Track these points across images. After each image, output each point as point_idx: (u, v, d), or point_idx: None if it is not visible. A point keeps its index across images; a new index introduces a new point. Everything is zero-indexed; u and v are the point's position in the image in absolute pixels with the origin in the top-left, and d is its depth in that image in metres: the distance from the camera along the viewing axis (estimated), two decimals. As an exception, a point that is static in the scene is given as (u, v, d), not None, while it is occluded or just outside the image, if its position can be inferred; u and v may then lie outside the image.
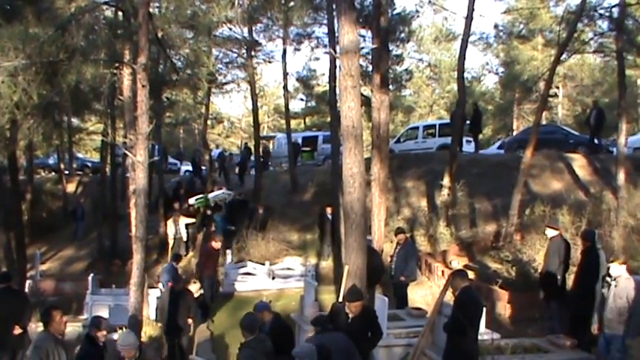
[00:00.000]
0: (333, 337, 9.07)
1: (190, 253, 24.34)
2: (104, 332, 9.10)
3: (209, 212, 25.93)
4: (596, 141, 26.34)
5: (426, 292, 17.54)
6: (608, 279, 10.47)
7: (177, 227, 23.54)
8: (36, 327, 13.99)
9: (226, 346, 15.28)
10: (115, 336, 13.80)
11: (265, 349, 8.57)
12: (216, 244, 18.76)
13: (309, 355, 7.84)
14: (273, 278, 19.86)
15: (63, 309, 10.19)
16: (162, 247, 25.22)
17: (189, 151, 49.30)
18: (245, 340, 8.81)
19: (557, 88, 49.08)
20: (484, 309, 10.33)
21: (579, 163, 24.52)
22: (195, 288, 18.96)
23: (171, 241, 23.56)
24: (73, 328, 15.67)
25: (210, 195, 26.71)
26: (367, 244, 15.37)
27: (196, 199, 26.11)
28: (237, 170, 34.63)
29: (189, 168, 37.87)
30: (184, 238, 24.15)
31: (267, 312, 10.49)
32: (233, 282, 19.89)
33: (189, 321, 14.36)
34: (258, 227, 23.87)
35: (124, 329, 13.82)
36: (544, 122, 35.62)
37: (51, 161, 40.97)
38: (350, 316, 9.75)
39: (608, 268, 10.52)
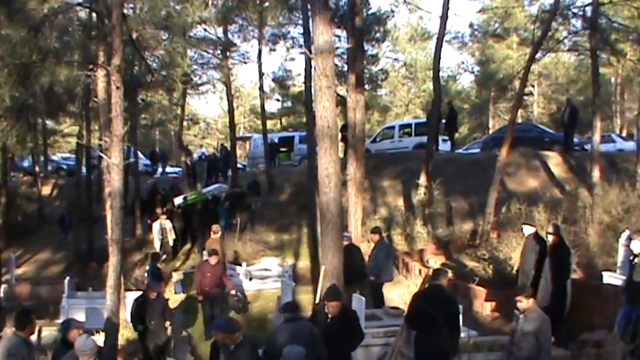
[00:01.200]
0: (299, 325, 9.26)
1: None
2: (76, 331, 8.99)
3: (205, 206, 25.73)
4: (574, 139, 26.53)
5: (403, 291, 17.58)
6: (635, 259, 10.53)
7: (163, 230, 23.24)
8: (12, 331, 13.93)
9: (203, 348, 15.21)
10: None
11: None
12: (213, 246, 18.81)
13: (299, 357, 7.84)
14: (251, 279, 19.81)
15: (38, 313, 10.12)
16: (139, 250, 25.12)
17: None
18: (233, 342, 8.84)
19: (533, 86, 49.35)
20: (457, 307, 10.29)
21: (555, 161, 24.66)
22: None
23: (157, 244, 23.25)
24: (49, 332, 15.62)
25: (206, 189, 26.59)
26: (348, 242, 15.51)
27: (184, 198, 25.98)
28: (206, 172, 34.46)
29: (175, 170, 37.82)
30: (171, 242, 23.80)
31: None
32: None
33: (167, 324, 14.24)
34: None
35: (101, 333, 13.79)
36: (519, 120, 35.84)
37: (26, 164, 40.69)
38: (329, 316, 9.75)
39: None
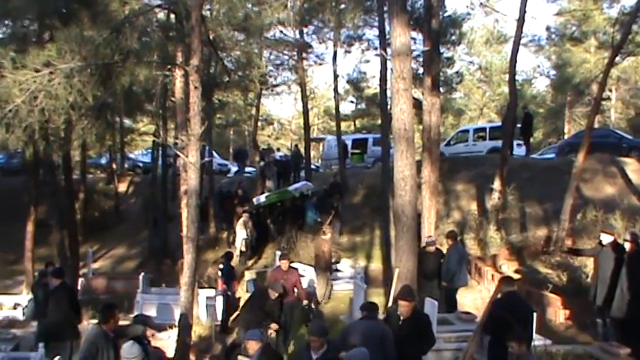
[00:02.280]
0: (371, 324, 9.50)
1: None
2: (151, 332, 9.16)
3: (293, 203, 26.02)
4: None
5: (475, 296, 17.43)
6: None
7: (247, 229, 23.39)
8: (88, 323, 14.26)
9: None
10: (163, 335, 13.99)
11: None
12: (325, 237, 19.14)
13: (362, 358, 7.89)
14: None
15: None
16: (212, 248, 25.42)
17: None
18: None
19: (610, 90, 48.32)
20: (533, 314, 10.23)
21: (633, 167, 24.18)
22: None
23: (239, 243, 23.42)
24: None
25: (292, 187, 26.70)
26: (434, 247, 15.62)
27: (266, 196, 26.14)
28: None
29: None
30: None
31: (255, 342, 10.33)
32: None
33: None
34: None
35: (173, 328, 14.00)
36: (596, 125, 35.19)
37: (103, 161, 41.47)
38: (401, 318, 9.75)
39: None
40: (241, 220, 23.38)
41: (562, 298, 15.19)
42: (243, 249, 23.14)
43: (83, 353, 9.12)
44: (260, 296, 13.86)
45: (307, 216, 24.40)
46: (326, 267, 19.04)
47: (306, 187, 26.08)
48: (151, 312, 16.92)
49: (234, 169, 41.58)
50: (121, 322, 10.16)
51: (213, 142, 33.26)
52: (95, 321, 10.48)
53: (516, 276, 17.68)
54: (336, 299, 18.74)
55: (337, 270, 20.72)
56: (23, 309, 18.36)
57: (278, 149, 40.80)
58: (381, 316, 11.34)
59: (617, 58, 22.24)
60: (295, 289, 15.36)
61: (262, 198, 25.99)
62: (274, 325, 13.23)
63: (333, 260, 20.21)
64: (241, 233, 23.20)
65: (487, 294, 16.17)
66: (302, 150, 33.35)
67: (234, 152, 43.01)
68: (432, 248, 15.96)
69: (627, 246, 12.13)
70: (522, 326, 9.49)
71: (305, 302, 16.12)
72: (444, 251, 16.11)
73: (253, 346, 9.25)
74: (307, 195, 25.70)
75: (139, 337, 8.84)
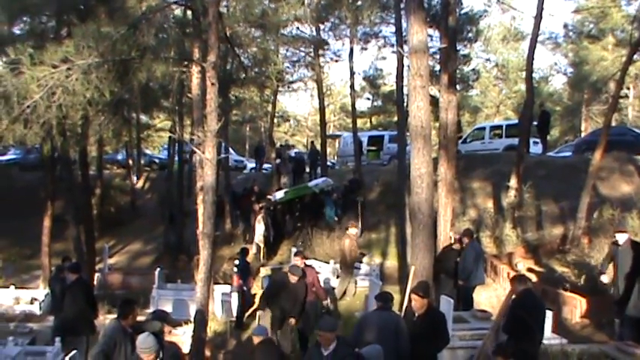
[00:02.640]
0: (386, 315, 9.65)
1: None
2: (168, 328, 9.20)
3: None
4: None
5: (491, 295, 17.37)
6: None
7: (267, 226, 23.41)
8: (104, 318, 14.34)
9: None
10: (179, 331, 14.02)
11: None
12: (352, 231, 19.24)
13: (378, 357, 7.91)
14: (338, 277, 19.82)
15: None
16: (228, 244, 25.49)
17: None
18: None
19: (628, 88, 48.02)
20: (546, 313, 10.28)
21: (650, 166, 24.07)
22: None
23: (258, 239, 23.44)
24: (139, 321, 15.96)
25: (312, 183, 26.70)
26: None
27: (285, 192, 26.16)
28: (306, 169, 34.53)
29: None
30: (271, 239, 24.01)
31: (256, 337, 10.47)
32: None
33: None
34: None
35: (189, 324, 14.03)
36: (613, 123, 35.03)
37: (119, 157, 41.64)
38: (416, 314, 9.74)
39: None
40: (259, 217, 23.41)
41: (578, 296, 15.13)
42: (261, 245, 23.16)
43: (101, 347, 9.18)
44: (274, 286, 13.91)
45: (326, 212, 24.37)
46: (351, 263, 19.07)
47: (325, 184, 26.05)
48: (167, 307, 16.99)
49: (250, 165, 41.68)
50: (138, 318, 10.24)
51: (229, 139, 33.26)
52: (112, 316, 10.53)
53: (532, 275, 17.69)
54: (352, 296, 18.75)
55: (356, 267, 20.70)
56: (40, 303, 18.50)
57: (293, 146, 40.74)
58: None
59: (635, 56, 22.13)
60: (314, 289, 14.93)
61: (281, 194, 26.03)
62: (292, 320, 13.27)
63: (358, 256, 20.28)
64: (259, 229, 23.21)
65: (503, 292, 16.13)
66: (318, 147, 33.38)
67: (252, 149, 43.02)
68: (457, 245, 16.00)
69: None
70: (539, 325, 9.60)
71: (325, 302, 15.37)
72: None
73: (256, 341, 9.44)
74: (327, 191, 25.66)
75: (156, 333, 8.86)
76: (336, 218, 24.24)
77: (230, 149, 36.03)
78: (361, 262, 21.13)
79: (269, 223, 23.61)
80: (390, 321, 9.60)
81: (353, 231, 19.26)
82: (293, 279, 13.47)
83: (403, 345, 9.36)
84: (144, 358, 8.10)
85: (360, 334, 9.52)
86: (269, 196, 26.16)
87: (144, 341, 8.07)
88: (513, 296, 10.06)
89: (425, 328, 9.54)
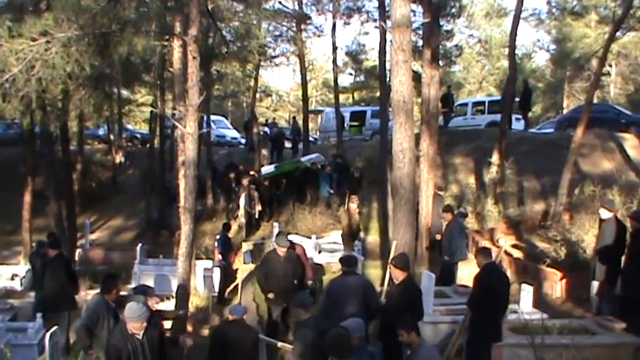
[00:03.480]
0: (353, 278, 10.00)
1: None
2: (153, 301, 9.18)
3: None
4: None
5: (473, 270, 17.24)
6: None
7: (252, 201, 23.25)
8: (86, 294, 14.30)
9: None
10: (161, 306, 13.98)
11: (322, 328, 8.30)
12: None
13: (359, 329, 7.90)
14: (320, 252, 19.83)
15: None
16: (209, 219, 25.44)
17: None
18: (300, 318, 8.86)
19: (610, 66, 48.21)
20: (509, 286, 10.57)
21: (631, 143, 24.18)
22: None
23: (241, 215, 23.30)
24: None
25: (305, 158, 26.57)
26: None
27: (276, 167, 26.06)
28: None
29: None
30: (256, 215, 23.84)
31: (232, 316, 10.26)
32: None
33: None
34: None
35: (171, 299, 14.02)
36: (595, 101, 35.13)
37: (100, 132, 41.40)
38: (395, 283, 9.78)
39: None
40: (244, 194, 23.21)
41: (559, 272, 15.19)
42: (243, 220, 23.08)
43: (84, 320, 9.19)
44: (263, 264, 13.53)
45: (321, 187, 24.25)
46: (353, 236, 19.51)
47: (318, 160, 25.97)
48: (149, 283, 16.84)
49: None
50: (121, 293, 10.23)
51: (211, 113, 33.03)
52: (93, 292, 10.52)
53: (514, 251, 17.78)
54: (333, 271, 18.71)
55: (335, 242, 20.68)
56: (21, 279, 18.42)
57: (273, 122, 40.48)
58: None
59: (618, 33, 22.20)
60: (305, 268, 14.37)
61: (271, 168, 25.96)
62: (271, 295, 13.01)
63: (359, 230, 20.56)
64: (244, 206, 23.07)
65: (484, 267, 16.20)
66: (300, 122, 33.36)
67: (243, 123, 42.86)
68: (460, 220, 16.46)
69: (629, 225, 12.07)
70: (506, 297, 10.06)
71: (310, 282, 14.83)
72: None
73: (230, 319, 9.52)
74: (322, 166, 25.50)
75: None
76: (331, 191, 24.11)
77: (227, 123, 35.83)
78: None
79: (255, 198, 23.41)
80: (358, 282, 9.96)
81: (353, 206, 19.67)
82: (281, 251, 12.87)
83: (373, 304, 9.72)
84: (132, 327, 7.99)
85: (330, 301, 9.60)
86: (252, 172, 26.07)
87: (133, 309, 7.95)
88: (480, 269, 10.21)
89: (399, 299, 9.57)
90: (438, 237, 16.82)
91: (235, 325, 9.62)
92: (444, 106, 30.10)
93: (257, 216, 23.62)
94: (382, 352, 9.59)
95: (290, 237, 15.27)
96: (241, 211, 23.06)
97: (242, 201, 23.05)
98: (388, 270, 10.47)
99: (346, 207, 20.45)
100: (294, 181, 25.78)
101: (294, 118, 40.44)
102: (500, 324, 10.09)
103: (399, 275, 9.61)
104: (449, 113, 31.28)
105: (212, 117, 33.08)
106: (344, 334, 7.32)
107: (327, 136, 38.09)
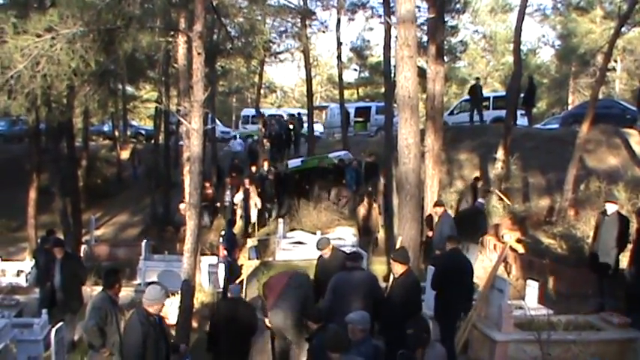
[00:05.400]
0: (359, 273, 9.97)
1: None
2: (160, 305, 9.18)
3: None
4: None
5: (477, 266, 17.33)
6: None
7: (250, 199, 23.10)
8: (91, 290, 14.31)
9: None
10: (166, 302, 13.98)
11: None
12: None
13: (363, 322, 7.87)
14: (324, 249, 19.78)
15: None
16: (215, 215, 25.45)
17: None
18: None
19: (615, 61, 48.00)
20: (473, 270, 11.07)
21: (637, 139, 24.07)
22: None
23: (238, 213, 23.18)
24: (126, 292, 15.92)
25: (333, 154, 26.41)
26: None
27: (302, 161, 26.02)
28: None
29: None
30: (254, 217, 23.22)
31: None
32: (283, 251, 19.89)
33: None
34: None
35: (176, 295, 14.02)
36: (601, 96, 35.06)
37: (105, 128, 41.46)
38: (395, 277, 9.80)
39: None
40: (241, 191, 23.09)
41: (564, 268, 15.18)
42: (239, 215, 23.00)
43: (94, 319, 9.17)
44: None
45: (347, 180, 24.10)
46: (371, 233, 19.87)
47: (347, 157, 25.87)
48: (153, 279, 16.96)
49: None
50: (123, 289, 10.27)
51: (216, 110, 33.07)
52: (98, 288, 10.52)
53: (519, 246, 17.75)
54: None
55: (340, 238, 20.62)
56: (26, 275, 18.44)
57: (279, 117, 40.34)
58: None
59: (623, 29, 22.13)
60: None
61: (297, 162, 25.90)
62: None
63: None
64: (240, 204, 22.96)
65: (489, 263, 16.18)
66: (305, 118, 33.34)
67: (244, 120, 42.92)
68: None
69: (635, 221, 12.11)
70: (463, 276, 10.52)
71: None
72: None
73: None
74: (349, 163, 25.29)
75: None
76: (355, 187, 23.98)
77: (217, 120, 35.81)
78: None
79: (251, 199, 23.19)
80: (364, 277, 9.93)
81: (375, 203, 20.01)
82: (325, 254, 11.82)
83: (379, 300, 9.68)
84: (153, 309, 8.15)
85: (335, 297, 9.56)
86: (268, 167, 25.73)
87: (153, 292, 8.17)
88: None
89: (398, 291, 9.59)
90: (430, 234, 16.68)
91: (233, 302, 10.39)
92: (473, 99, 30.52)
93: (254, 218, 23.26)
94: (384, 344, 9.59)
95: (294, 233, 15.25)
96: (238, 210, 23.01)
97: (237, 200, 22.93)
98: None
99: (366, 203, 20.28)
100: (322, 175, 25.61)
101: (298, 113, 40.36)
102: (461, 302, 10.68)
103: (399, 269, 9.60)
104: (478, 105, 30.91)
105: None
106: (339, 330, 7.36)
107: (331, 131, 38.09)
